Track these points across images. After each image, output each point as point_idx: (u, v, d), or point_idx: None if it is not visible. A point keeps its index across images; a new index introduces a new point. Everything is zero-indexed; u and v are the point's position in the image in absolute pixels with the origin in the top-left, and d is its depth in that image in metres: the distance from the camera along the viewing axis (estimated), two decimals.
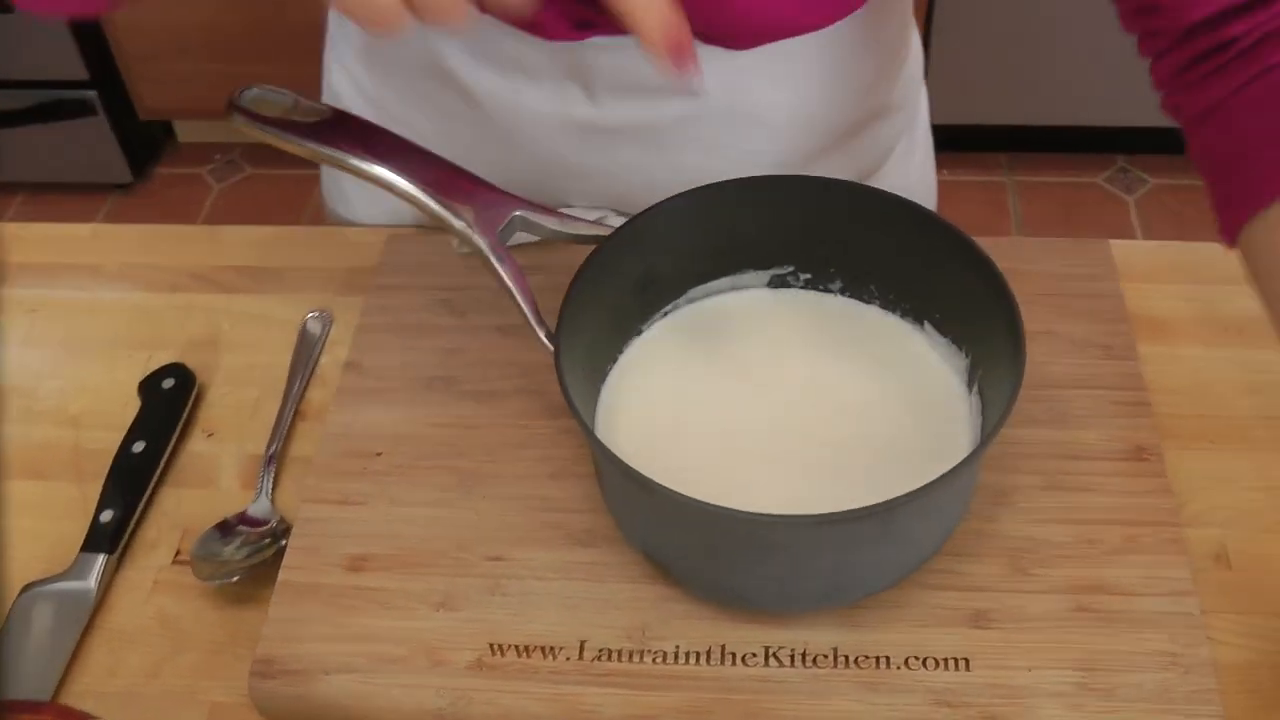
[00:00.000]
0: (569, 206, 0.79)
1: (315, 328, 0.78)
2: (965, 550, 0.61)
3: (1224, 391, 0.70)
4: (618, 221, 0.77)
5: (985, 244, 0.62)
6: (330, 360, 0.77)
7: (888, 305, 0.67)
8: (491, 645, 0.59)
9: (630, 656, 0.59)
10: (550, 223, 0.64)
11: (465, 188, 0.62)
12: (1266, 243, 0.59)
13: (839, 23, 0.71)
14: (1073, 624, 0.59)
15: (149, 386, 0.75)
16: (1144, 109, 2.11)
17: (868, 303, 0.68)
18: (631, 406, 0.64)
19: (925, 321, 0.66)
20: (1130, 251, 0.76)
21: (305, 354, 0.77)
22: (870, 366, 0.66)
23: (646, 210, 0.63)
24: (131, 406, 0.74)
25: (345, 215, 0.89)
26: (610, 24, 0.67)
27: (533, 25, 0.70)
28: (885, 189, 0.65)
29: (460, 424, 0.69)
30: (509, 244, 0.63)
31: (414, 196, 0.61)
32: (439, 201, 0.60)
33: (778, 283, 0.69)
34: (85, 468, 0.72)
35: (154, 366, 0.76)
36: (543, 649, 0.59)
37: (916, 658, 0.58)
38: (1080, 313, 0.71)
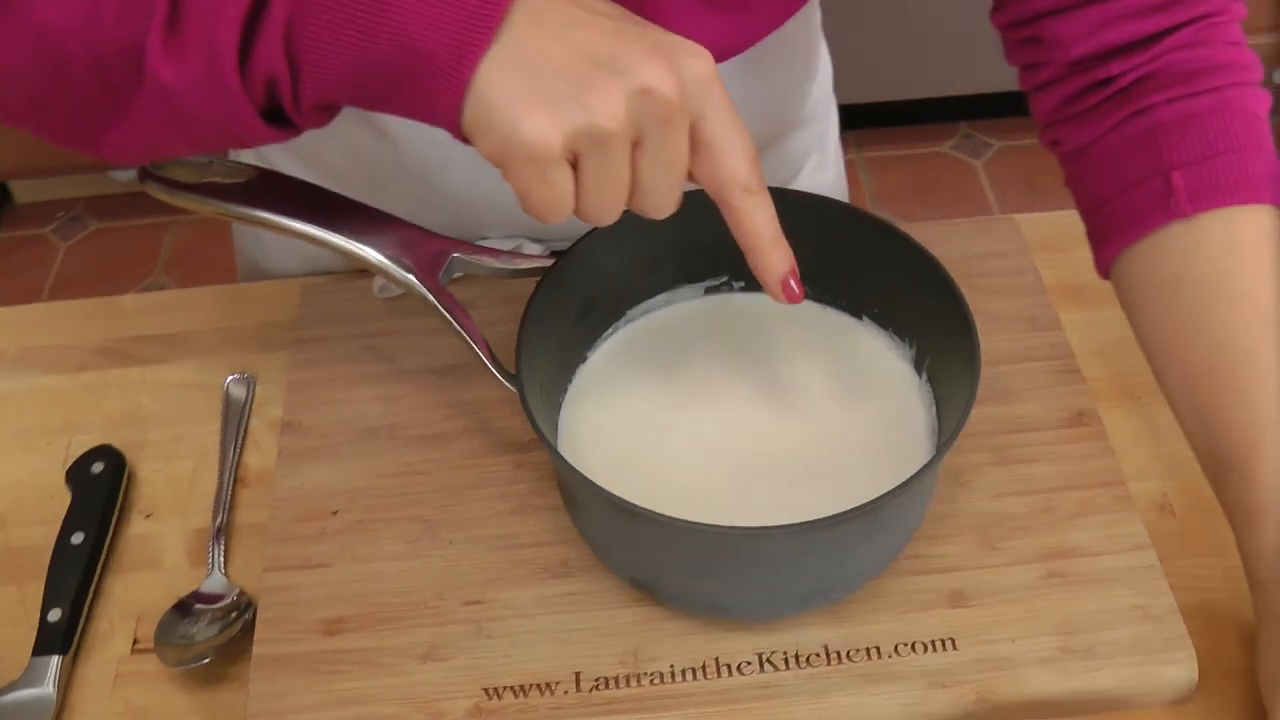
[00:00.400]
0: (485, 238, 0.78)
1: (239, 391, 0.76)
2: (932, 533, 0.63)
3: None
4: (534, 249, 0.77)
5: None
6: (261, 422, 0.75)
7: (825, 301, 0.69)
8: (486, 689, 0.59)
9: (627, 681, 0.59)
10: (486, 261, 0.63)
11: (403, 237, 0.61)
12: (1132, 277, 0.64)
13: None
14: (1045, 591, 0.61)
15: (77, 473, 0.71)
16: (981, 76, 2.21)
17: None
18: (590, 434, 0.64)
19: (864, 315, 0.68)
20: (1033, 225, 0.79)
21: (234, 419, 0.75)
22: (818, 362, 0.67)
23: (583, 238, 0.63)
24: (59, 497, 0.71)
25: (262, 262, 0.86)
26: None
27: None
28: None
29: (411, 471, 0.68)
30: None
31: (351, 252, 0.60)
32: (382, 254, 0.59)
33: (712, 290, 0.70)
34: (21, 567, 0.69)
35: (77, 452, 0.73)
36: (539, 686, 0.59)
37: (905, 644, 0.59)
38: (1001, 290, 0.73)
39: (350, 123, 0.75)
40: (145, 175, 0.61)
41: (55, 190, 2.28)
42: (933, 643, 0.59)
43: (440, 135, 0.74)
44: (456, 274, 0.62)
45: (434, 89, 0.46)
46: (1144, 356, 0.64)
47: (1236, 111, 0.62)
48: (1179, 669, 0.59)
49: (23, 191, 2.29)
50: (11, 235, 2.28)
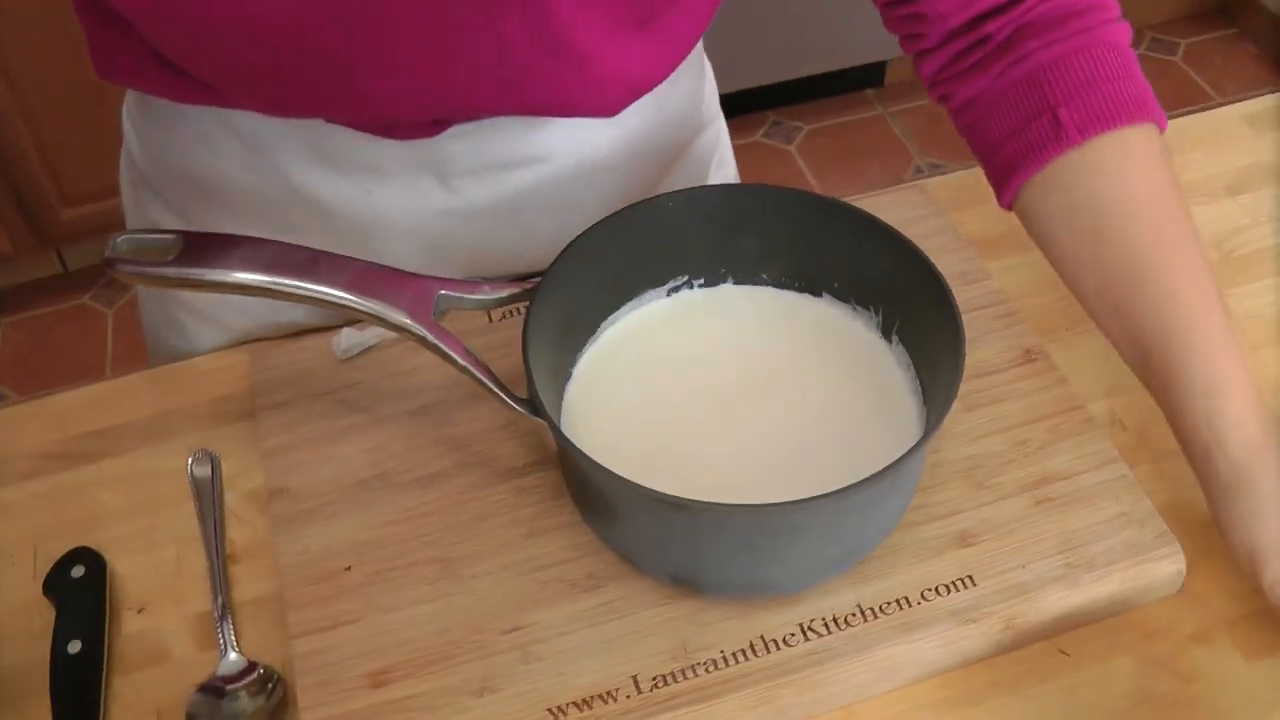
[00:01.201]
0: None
1: (203, 469, 0.75)
2: (926, 484, 0.67)
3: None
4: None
5: None
6: (236, 496, 0.73)
7: (781, 285, 0.72)
8: (550, 709, 0.60)
9: (683, 674, 0.61)
10: (472, 294, 0.64)
11: (389, 280, 0.61)
12: (1036, 206, 0.69)
13: None
14: (1039, 516, 0.66)
15: (57, 582, 0.69)
16: (781, 66, 2.29)
17: (760, 286, 0.72)
18: (588, 446, 0.66)
19: (824, 292, 0.71)
20: (938, 188, 0.84)
21: (207, 498, 0.73)
22: (791, 341, 0.70)
23: (558, 259, 0.65)
24: (38, 610, 0.69)
25: (180, 346, 0.85)
26: (467, 113, 0.68)
27: (389, 129, 0.70)
28: None
29: (415, 515, 0.68)
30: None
31: (343, 305, 0.60)
32: (373, 300, 0.60)
33: (674, 291, 0.72)
34: (17, 690, 0.66)
35: (45, 562, 0.70)
36: (601, 696, 0.60)
37: (929, 589, 0.63)
38: (929, 252, 0.78)
39: (289, 205, 0.75)
40: (113, 263, 0.60)
41: None
42: (953, 583, 0.63)
43: (380, 200, 0.74)
44: (444, 310, 0.63)
45: None
46: (1063, 282, 0.70)
47: (1105, 46, 0.68)
48: (1170, 563, 0.64)
49: None
50: None
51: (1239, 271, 0.80)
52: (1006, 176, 0.70)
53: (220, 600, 0.68)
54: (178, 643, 0.67)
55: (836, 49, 2.22)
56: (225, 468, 0.75)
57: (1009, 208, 0.71)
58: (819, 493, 0.55)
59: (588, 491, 0.62)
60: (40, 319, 2.13)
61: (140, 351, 0.88)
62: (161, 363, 0.88)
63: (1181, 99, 2.36)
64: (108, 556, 0.71)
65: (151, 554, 0.71)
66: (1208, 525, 0.67)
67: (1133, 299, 0.65)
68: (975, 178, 0.86)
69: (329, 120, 0.70)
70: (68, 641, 0.66)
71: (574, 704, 0.60)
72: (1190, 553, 0.65)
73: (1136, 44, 0.65)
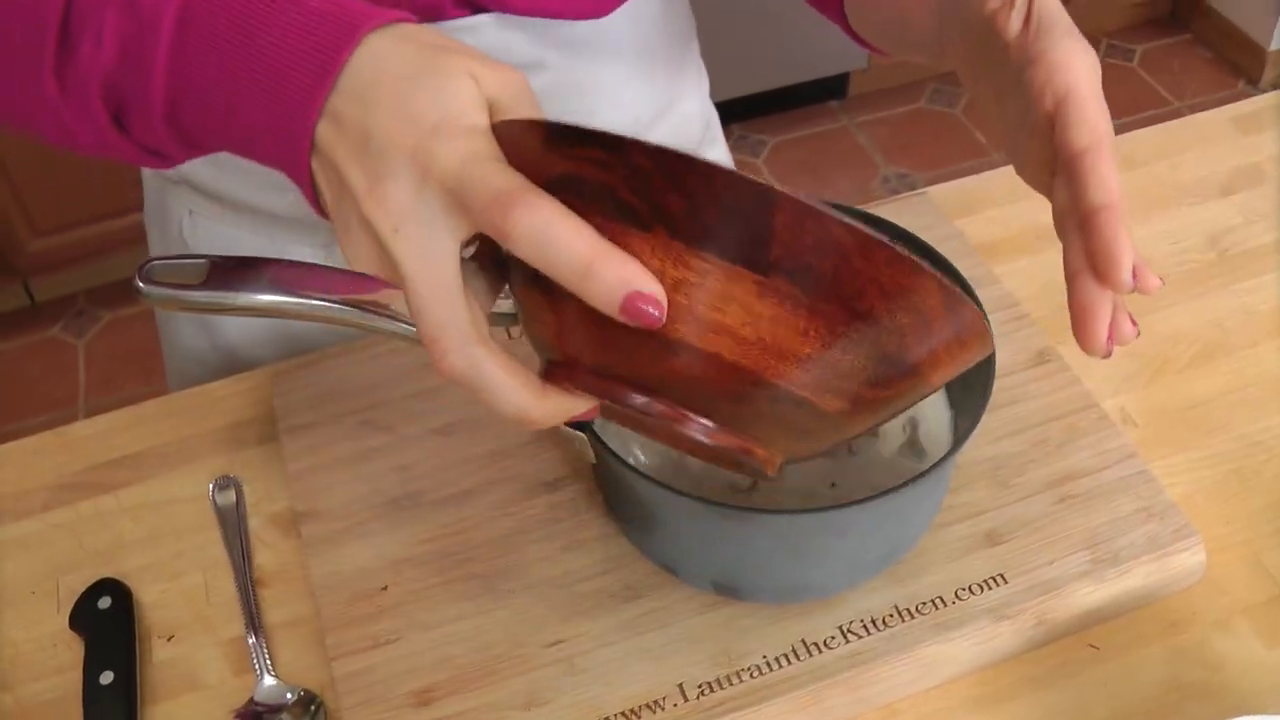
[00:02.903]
0: None
1: (226, 495, 0.74)
2: (952, 485, 0.68)
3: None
4: None
5: None
6: (261, 520, 0.73)
7: None
8: None
9: (729, 681, 0.61)
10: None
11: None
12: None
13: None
14: (1062, 513, 0.67)
15: (83, 614, 0.68)
16: (744, 80, 2.31)
17: None
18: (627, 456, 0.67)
19: None
20: (943, 195, 0.86)
21: (231, 524, 0.73)
22: None
23: None
24: (64, 644, 0.68)
25: (194, 373, 0.84)
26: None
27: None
28: None
29: (450, 533, 0.68)
30: None
31: (370, 326, 0.60)
32: (399, 322, 0.60)
33: None
34: None
35: (68, 595, 0.70)
36: (648, 705, 0.61)
37: (963, 588, 0.64)
38: None
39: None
40: (145, 280, 0.60)
41: None
42: (985, 582, 0.64)
43: None
44: None
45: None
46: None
47: None
48: (1191, 554, 0.66)
49: None
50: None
51: (1235, 269, 0.83)
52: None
53: (254, 624, 0.68)
54: (211, 669, 0.67)
55: (799, 62, 2.25)
56: (248, 492, 0.75)
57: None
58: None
59: (626, 502, 0.63)
60: (6, 353, 2.10)
61: (113, 383, 0.87)
62: (179, 387, 0.87)
63: (1140, 104, 2.41)
64: (133, 586, 0.70)
65: (177, 581, 0.71)
66: (1224, 518, 0.69)
67: None
68: (975, 184, 0.89)
69: None
70: (99, 673, 0.66)
71: (622, 714, 0.60)
72: (1207, 542, 0.67)
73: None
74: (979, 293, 0.76)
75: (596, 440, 0.59)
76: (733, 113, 2.37)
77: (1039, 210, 0.85)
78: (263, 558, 0.72)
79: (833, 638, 0.63)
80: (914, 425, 0.68)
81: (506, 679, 0.62)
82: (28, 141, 1.83)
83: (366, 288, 0.62)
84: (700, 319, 0.42)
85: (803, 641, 0.63)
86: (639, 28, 0.80)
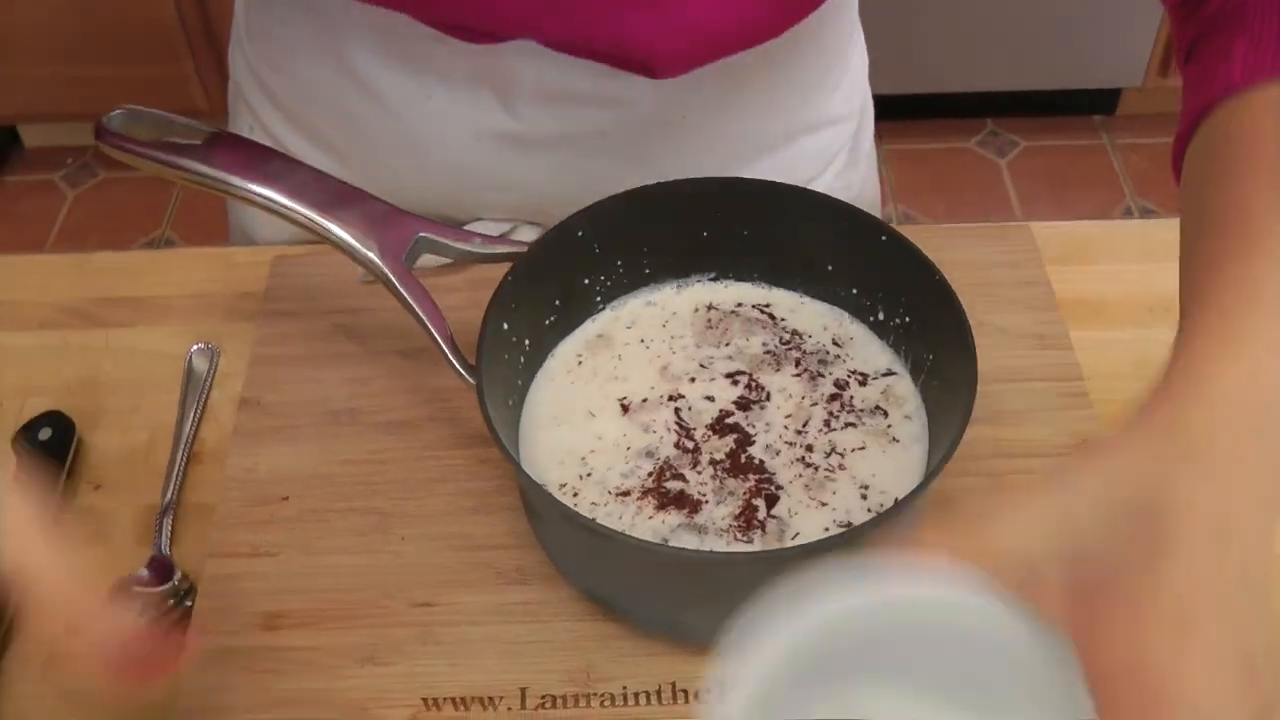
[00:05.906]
0: (480, 220, 0.75)
1: (202, 362, 0.73)
2: None
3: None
4: (530, 234, 0.73)
5: (906, 234, 0.60)
6: (222, 395, 0.71)
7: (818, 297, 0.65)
8: (425, 700, 0.55)
9: (576, 701, 0.55)
10: (456, 243, 0.59)
11: (366, 210, 0.57)
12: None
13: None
14: None
15: (24, 440, 0.68)
16: (1009, 73, 2.15)
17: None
18: (550, 432, 0.61)
19: (857, 317, 0.64)
20: (1051, 234, 0.75)
21: (194, 391, 0.71)
22: (795, 360, 0.63)
23: (562, 224, 0.59)
24: (3, 461, 0.68)
25: (250, 229, 0.83)
26: (534, 30, 0.62)
27: (453, 29, 0.65)
28: None
29: (372, 460, 0.64)
30: (415, 267, 0.59)
31: (314, 225, 0.56)
32: (346, 230, 0.56)
33: (684, 285, 0.66)
34: None
35: (29, 416, 0.70)
36: (481, 700, 0.55)
37: None
38: (1010, 302, 0.69)
39: (346, 91, 0.72)
40: (101, 133, 0.57)
41: (66, 136, 2.24)
42: None
43: (438, 107, 0.70)
44: (424, 255, 0.59)
45: None
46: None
47: None
48: None
49: (32, 135, 2.27)
50: (20, 180, 2.26)
51: None
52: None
53: (169, 498, 0.66)
54: (120, 530, 0.66)
55: (1071, 67, 2.07)
56: (222, 364, 0.73)
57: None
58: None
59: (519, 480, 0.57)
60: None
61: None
62: (237, 241, 0.86)
63: None
64: (84, 426, 0.70)
65: (125, 435, 0.70)
66: None
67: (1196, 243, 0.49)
68: (1094, 230, 0.77)
69: (399, 9, 0.65)
70: None
71: (451, 700, 0.55)
72: None
73: None
74: (1040, 354, 0.66)
75: (485, 413, 0.53)
76: (993, 106, 2.22)
77: (1156, 277, 0.73)
78: (209, 433, 0.70)
79: (708, 690, 0.55)
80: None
81: (358, 628, 0.58)
82: None
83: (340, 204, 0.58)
84: None
85: (673, 685, 0.56)
86: (753, 63, 0.70)
